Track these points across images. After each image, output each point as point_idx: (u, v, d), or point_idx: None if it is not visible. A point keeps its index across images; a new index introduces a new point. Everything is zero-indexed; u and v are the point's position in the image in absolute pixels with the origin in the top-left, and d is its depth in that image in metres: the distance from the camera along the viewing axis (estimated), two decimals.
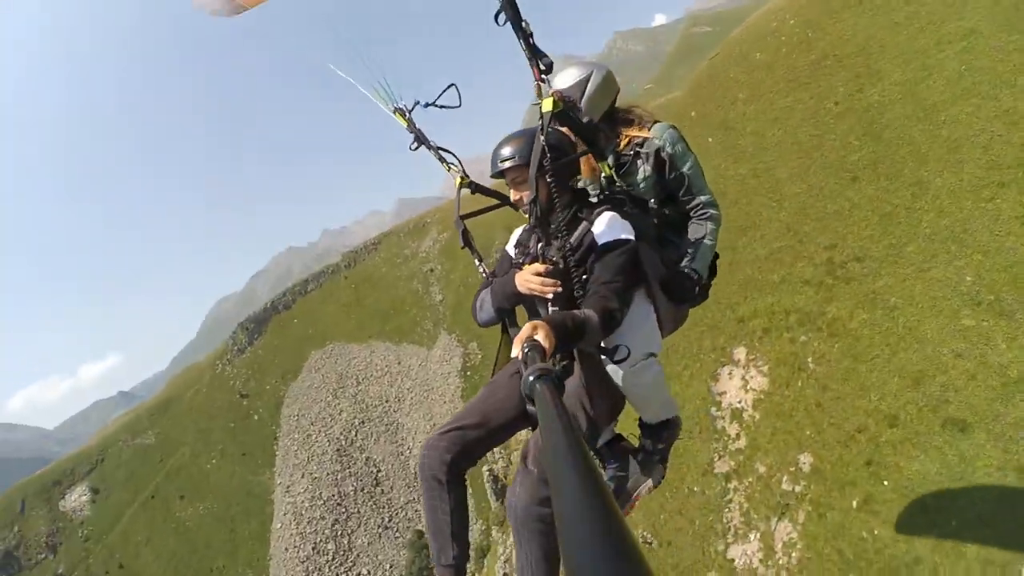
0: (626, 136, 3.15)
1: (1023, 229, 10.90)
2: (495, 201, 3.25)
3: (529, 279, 2.52)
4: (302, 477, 63.99)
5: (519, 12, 2.34)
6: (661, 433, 2.90)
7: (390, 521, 60.50)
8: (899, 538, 9.66)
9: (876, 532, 9.96)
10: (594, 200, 2.93)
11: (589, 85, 3.10)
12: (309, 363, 76.09)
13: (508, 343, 2.96)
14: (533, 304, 2.73)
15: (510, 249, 2.97)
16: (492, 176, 2.77)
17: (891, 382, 11.31)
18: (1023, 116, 12.28)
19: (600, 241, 2.54)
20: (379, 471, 64.54)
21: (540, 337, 1.81)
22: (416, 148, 3.20)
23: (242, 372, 77.17)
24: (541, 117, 2.51)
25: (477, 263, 2.93)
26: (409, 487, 63.14)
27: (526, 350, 1.69)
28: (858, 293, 13.23)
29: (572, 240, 2.60)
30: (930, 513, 9.48)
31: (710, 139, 22.16)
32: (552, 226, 2.62)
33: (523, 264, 2.72)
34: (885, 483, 10.32)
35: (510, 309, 2.75)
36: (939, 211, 12.83)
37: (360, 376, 73.31)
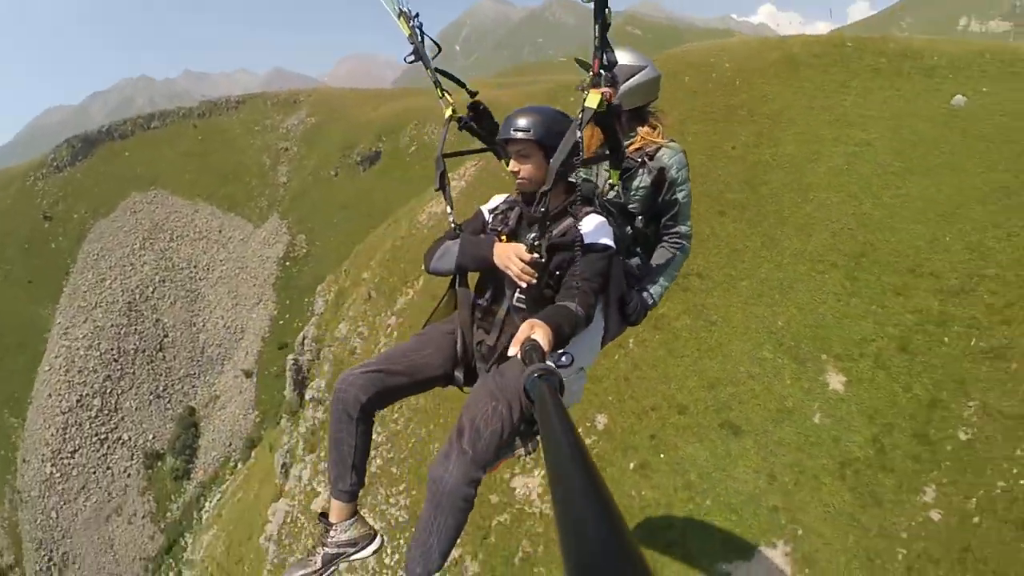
0: (641, 138, 3.12)
1: (836, 304, 13.48)
2: (478, 144, 3.15)
3: (511, 259, 2.46)
4: (84, 322, 56.87)
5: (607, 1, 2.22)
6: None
7: (164, 391, 55.96)
8: (661, 503, 11.59)
9: (643, 493, 11.79)
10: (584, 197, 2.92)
11: (638, 76, 3.05)
12: (127, 203, 66.85)
13: (452, 297, 2.88)
14: (497, 278, 2.67)
15: (486, 211, 2.89)
16: (497, 140, 2.70)
17: (691, 379, 13.33)
18: (875, 223, 15.04)
19: (587, 240, 2.54)
20: (166, 336, 59.04)
21: (539, 337, 1.83)
22: (412, 62, 3.00)
23: (53, 191, 69.58)
24: (582, 111, 2.41)
25: (448, 210, 2.83)
26: (193, 361, 58.68)
27: (527, 348, 1.71)
28: (689, 302, 15.21)
29: (556, 232, 2.58)
30: (691, 490, 11.51)
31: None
32: (543, 214, 2.54)
33: (499, 233, 2.66)
34: (661, 456, 12.21)
35: (473, 270, 2.68)
36: (778, 264, 15.24)
37: (176, 232, 66.09)
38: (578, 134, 2.41)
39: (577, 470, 0.71)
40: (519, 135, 2.50)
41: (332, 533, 2.47)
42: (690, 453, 12.17)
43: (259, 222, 71.74)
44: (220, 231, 70.12)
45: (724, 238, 16.85)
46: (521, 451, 3.11)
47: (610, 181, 2.87)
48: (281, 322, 62.03)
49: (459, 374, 2.65)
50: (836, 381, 12.40)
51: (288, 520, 18.75)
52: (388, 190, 69.07)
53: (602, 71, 2.38)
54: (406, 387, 2.54)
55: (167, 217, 69.96)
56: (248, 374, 58.73)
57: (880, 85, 17.61)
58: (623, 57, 3.03)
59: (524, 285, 2.46)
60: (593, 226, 2.58)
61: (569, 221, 2.60)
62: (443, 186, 2.91)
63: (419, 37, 3.01)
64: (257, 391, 57.39)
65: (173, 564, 43.87)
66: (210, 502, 48.08)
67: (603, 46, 2.34)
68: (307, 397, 21.20)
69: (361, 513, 2.56)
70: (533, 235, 2.50)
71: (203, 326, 62.55)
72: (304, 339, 25.54)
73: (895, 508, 10.13)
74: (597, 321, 2.75)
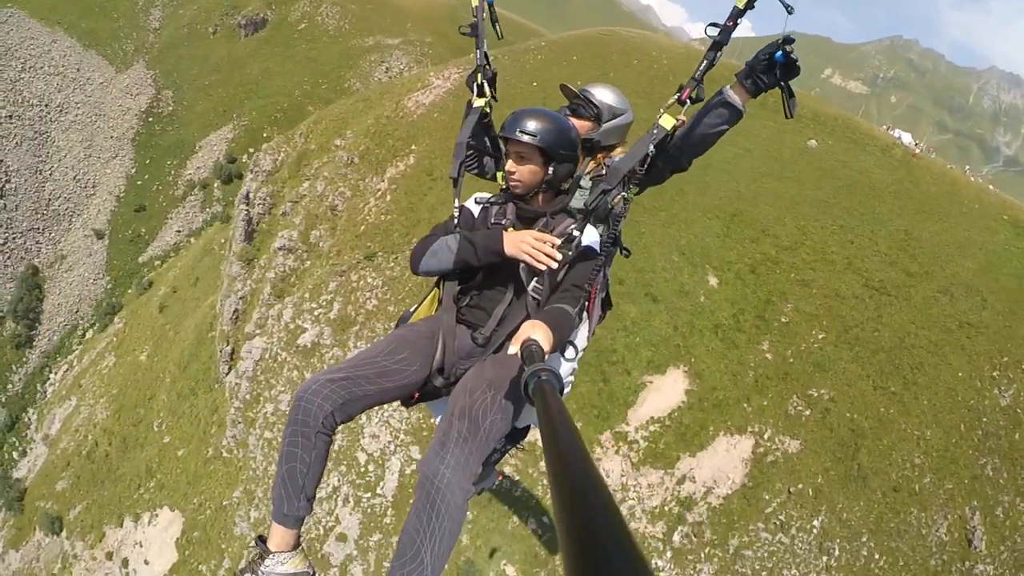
0: (602, 156, 3.19)
1: (716, 239, 20.78)
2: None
3: (529, 244, 2.37)
4: None
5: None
6: (519, 438, 2.68)
7: (4, 244, 47.08)
8: (607, 338, 17.83)
9: (595, 331, 18.08)
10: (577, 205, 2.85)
11: (620, 118, 3.19)
12: None
13: (436, 298, 2.73)
14: (503, 270, 2.51)
15: (473, 207, 2.75)
16: (499, 135, 2.58)
17: (626, 265, 19.41)
18: (743, 199, 22.59)
19: (584, 243, 2.50)
20: (8, 182, 49.34)
21: (539, 337, 1.85)
22: (466, 34, 3.02)
23: None
24: (655, 127, 2.50)
25: (456, 203, 2.71)
26: (38, 214, 50.38)
27: (528, 348, 1.74)
28: (628, 219, 21.61)
29: (556, 232, 2.53)
30: (627, 331, 17.97)
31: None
32: (544, 215, 2.59)
33: (504, 227, 2.57)
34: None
35: (475, 268, 2.52)
36: (684, 207, 22.09)
37: (29, 62, 54.65)
38: (651, 148, 2.48)
39: (578, 470, 0.72)
40: (524, 138, 2.40)
41: (268, 563, 2.15)
42: (626, 309, 18.58)
43: (122, 67, 61.75)
44: (78, 70, 59.05)
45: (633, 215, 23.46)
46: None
47: (625, 195, 2.71)
48: (139, 183, 55.13)
49: (440, 380, 2.44)
50: (713, 280, 19.85)
51: (267, 356, 20.98)
52: (268, 64, 63.81)
53: (689, 100, 2.49)
54: (374, 396, 2.27)
55: (21, 42, 57.16)
56: (100, 235, 51.82)
57: (764, 114, 24.72)
58: (608, 97, 3.19)
59: (545, 269, 2.37)
60: (587, 231, 2.54)
61: (569, 221, 2.56)
62: (458, 176, 2.76)
63: (485, 12, 3.03)
64: (109, 255, 51.20)
65: (17, 443, 39.13)
66: (55, 374, 43.14)
67: (700, 81, 2.48)
68: (277, 246, 22.84)
69: (303, 545, 2.28)
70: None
71: (50, 175, 53.29)
72: (249, 193, 26.18)
73: (747, 351, 17.88)
74: (595, 313, 2.84)
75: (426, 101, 25.23)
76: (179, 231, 52.80)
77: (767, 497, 15.37)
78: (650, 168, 2.59)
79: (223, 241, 35.31)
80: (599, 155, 3.15)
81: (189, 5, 69.12)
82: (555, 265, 2.35)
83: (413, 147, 23.52)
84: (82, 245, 51.48)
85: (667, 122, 2.49)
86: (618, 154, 3.19)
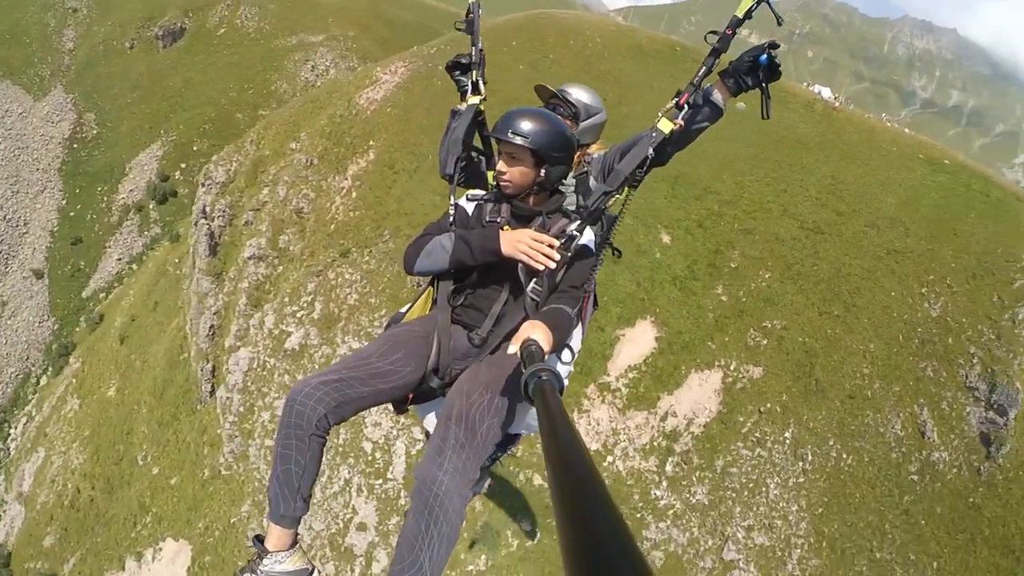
0: (581, 154, 3.23)
1: (665, 200, 22.53)
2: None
3: (527, 243, 2.34)
4: None
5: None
6: (510, 444, 2.67)
7: None
8: None
9: None
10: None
11: (596, 117, 3.27)
12: None
13: (430, 297, 2.70)
14: (498, 269, 2.48)
15: (466, 205, 2.70)
16: (489, 134, 2.56)
17: None
18: (684, 162, 24.41)
19: (581, 243, 2.49)
20: None
21: (539, 338, 1.86)
22: (461, 30, 2.98)
23: None
24: (654, 131, 2.55)
25: (451, 201, 2.67)
26: None
27: (528, 348, 1.75)
28: None
29: (554, 231, 2.51)
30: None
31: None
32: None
33: (500, 225, 2.53)
34: None
35: (470, 267, 2.50)
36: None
37: None
38: (650, 151, 2.52)
39: (578, 470, 0.73)
40: (516, 139, 2.38)
41: (266, 562, 2.19)
42: None
43: (40, 94, 58.30)
44: None
45: None
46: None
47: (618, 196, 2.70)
48: (72, 214, 52.32)
49: (436, 381, 2.43)
50: (666, 238, 21.63)
51: (255, 366, 21.23)
52: (190, 74, 61.63)
53: (687, 105, 2.57)
54: (368, 398, 2.26)
55: None
56: (39, 274, 49.13)
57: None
58: (584, 96, 3.22)
59: (543, 268, 2.34)
60: (582, 228, 2.51)
61: (564, 221, 2.54)
62: (454, 173, 2.75)
63: (479, 8, 3.00)
64: (51, 294, 48.69)
65: None
66: (15, 428, 40.86)
67: (698, 87, 2.57)
68: (246, 256, 22.96)
69: (300, 543, 2.29)
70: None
71: None
72: (205, 208, 25.96)
73: (704, 296, 19.78)
74: (588, 314, 2.87)
75: (377, 97, 25.70)
76: (120, 259, 50.77)
77: (741, 419, 17.37)
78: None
79: (178, 260, 34.64)
80: (577, 153, 3.11)
81: (103, 21, 65.65)
82: (553, 265, 2.34)
83: (371, 143, 24.06)
84: (22, 288, 48.73)
85: (665, 126, 2.55)
86: (595, 150, 3.28)
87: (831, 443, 16.88)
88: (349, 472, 18.89)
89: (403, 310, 2.74)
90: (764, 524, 16.25)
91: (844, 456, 16.85)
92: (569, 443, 0.82)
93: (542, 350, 1.79)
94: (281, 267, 23.03)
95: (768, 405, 17.46)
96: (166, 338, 30.22)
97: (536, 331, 1.89)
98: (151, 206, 53.10)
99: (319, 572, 2.52)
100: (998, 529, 16.55)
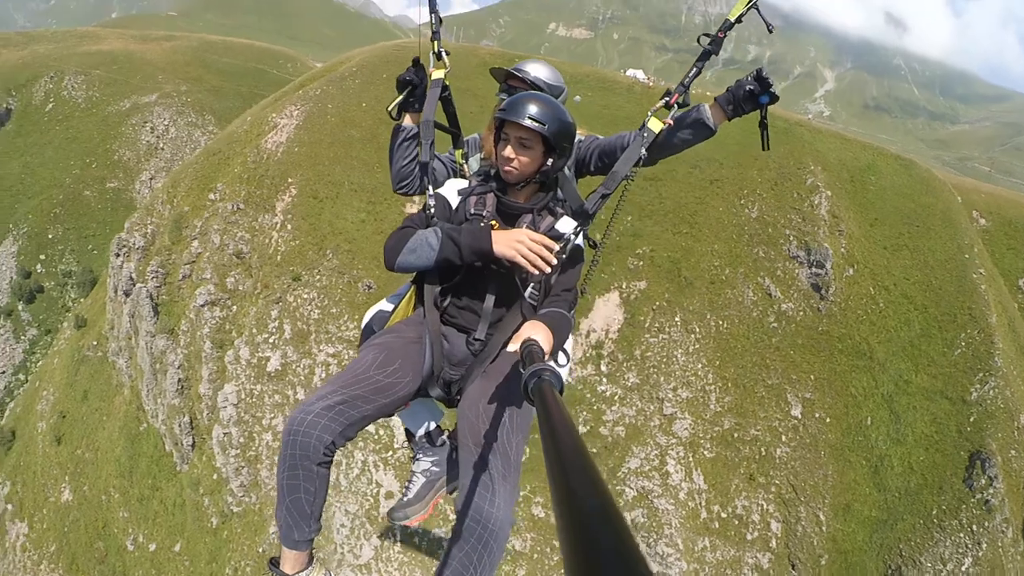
0: None
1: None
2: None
3: (528, 245, 2.26)
4: None
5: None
6: None
7: None
8: None
9: None
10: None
11: (562, 96, 3.15)
12: None
13: (412, 298, 2.62)
14: (486, 268, 2.40)
15: (451, 197, 2.59)
16: (499, 115, 2.41)
17: None
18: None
19: (574, 242, 2.44)
20: None
21: (540, 338, 1.88)
22: None
23: None
24: (643, 129, 2.57)
25: (429, 191, 2.59)
26: None
27: (528, 348, 1.75)
28: None
29: (543, 228, 2.45)
30: None
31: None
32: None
33: (484, 219, 2.46)
34: None
35: (457, 265, 2.37)
36: None
37: None
38: (643, 152, 2.55)
39: (578, 471, 0.73)
40: (534, 125, 2.29)
41: None
42: None
43: None
44: None
45: None
46: (449, 486, 3.02)
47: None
48: None
49: (436, 390, 2.43)
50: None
51: (243, 397, 23.73)
52: (26, 158, 58.07)
53: (676, 106, 2.58)
54: (372, 413, 2.22)
55: None
56: None
57: None
58: (543, 73, 3.11)
59: (538, 273, 2.28)
60: (571, 228, 2.47)
61: (551, 219, 2.48)
62: (428, 160, 2.66)
63: None
64: None
65: None
66: None
67: (687, 88, 2.59)
68: (198, 304, 25.26)
69: (315, 556, 2.33)
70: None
71: None
72: (132, 275, 27.49)
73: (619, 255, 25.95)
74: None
75: (282, 139, 28.87)
76: (3, 372, 47.20)
77: (641, 318, 24.00)
78: (612, 160, 2.78)
79: (95, 343, 34.69)
80: None
81: None
82: (548, 269, 2.28)
83: (290, 179, 27.39)
84: None
85: (655, 125, 2.56)
86: None
87: (708, 316, 23.99)
88: (363, 454, 22.53)
89: (386, 308, 2.69)
90: (683, 382, 22.88)
91: (720, 322, 24.00)
92: (569, 443, 0.83)
93: (542, 350, 1.80)
94: (235, 306, 25.71)
95: (657, 303, 24.19)
96: (114, 419, 30.76)
97: (537, 331, 1.93)
98: (20, 307, 49.82)
99: None
100: (847, 342, 24.63)
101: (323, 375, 23.37)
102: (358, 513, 22.03)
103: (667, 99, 2.60)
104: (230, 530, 24.48)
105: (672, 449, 22.10)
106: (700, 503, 21.90)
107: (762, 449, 22.83)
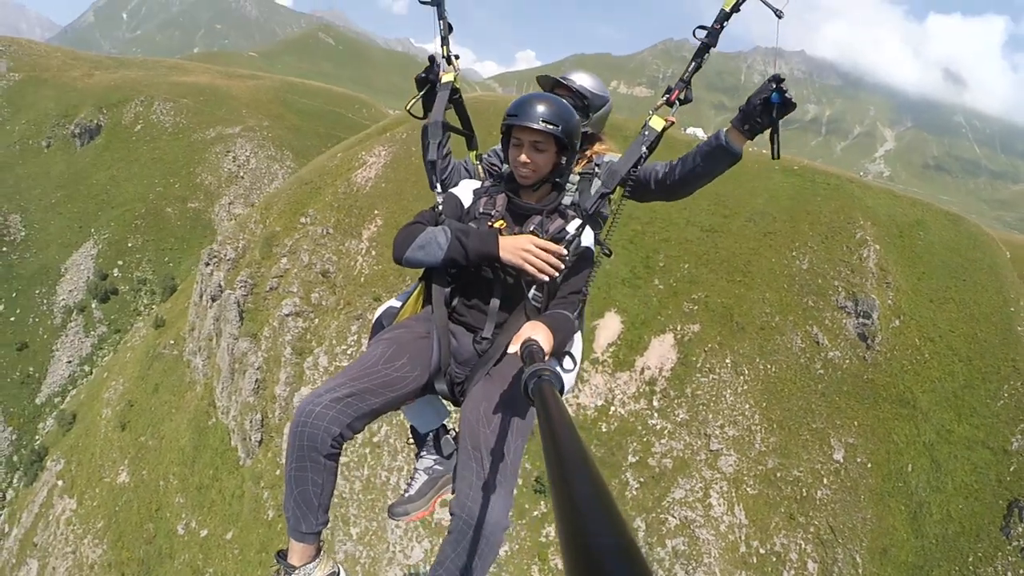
0: (592, 151, 3.13)
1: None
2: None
3: (535, 252, 2.30)
4: None
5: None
6: None
7: None
8: None
9: None
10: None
11: (605, 107, 3.22)
12: None
13: (421, 295, 2.61)
14: (488, 274, 2.43)
15: (464, 196, 2.64)
16: (509, 121, 2.42)
17: None
18: None
19: (582, 243, 2.46)
20: None
21: (540, 338, 1.88)
22: (425, 2, 2.83)
23: None
24: (646, 129, 2.55)
25: (438, 190, 2.60)
26: None
27: (528, 349, 1.76)
28: None
29: (552, 230, 2.48)
30: None
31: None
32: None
33: (493, 221, 2.49)
34: None
35: (467, 265, 2.40)
36: None
37: None
38: (643, 150, 2.53)
39: (578, 472, 0.74)
40: (546, 127, 2.33)
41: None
42: None
43: None
44: None
45: None
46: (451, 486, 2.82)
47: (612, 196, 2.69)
48: (12, 319, 51.67)
49: (442, 385, 2.43)
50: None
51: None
52: (113, 171, 64.01)
53: (678, 102, 2.57)
54: (380, 408, 2.23)
55: None
56: None
57: None
58: (590, 83, 3.15)
59: (547, 279, 2.33)
60: (582, 230, 2.47)
61: (561, 222, 2.50)
62: (436, 159, 2.66)
63: None
64: (2, 404, 47.56)
65: None
66: None
67: (688, 83, 2.58)
68: (284, 313, 28.10)
69: (323, 550, 2.37)
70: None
71: None
72: (220, 283, 30.62)
73: (645, 288, 28.08)
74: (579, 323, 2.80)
75: (371, 175, 32.34)
76: (70, 361, 51.10)
77: (694, 359, 25.69)
78: (642, 190, 2.74)
79: (172, 342, 37.83)
80: (590, 150, 3.12)
81: (15, 120, 67.01)
82: (556, 274, 2.33)
83: (376, 211, 30.61)
84: None
85: (657, 123, 2.56)
86: (603, 150, 3.18)
87: (756, 360, 25.62)
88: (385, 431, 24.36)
89: (396, 304, 2.68)
90: (730, 421, 24.35)
91: (768, 367, 25.60)
92: (569, 444, 0.84)
93: (542, 350, 1.81)
94: (317, 319, 28.46)
95: (709, 346, 25.95)
96: (183, 412, 33.45)
97: (537, 332, 1.93)
98: (93, 305, 54.04)
99: (344, 570, 2.48)
100: (891, 390, 25.89)
101: None
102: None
103: (668, 96, 2.61)
104: (283, 523, 26.24)
105: (716, 483, 23.41)
106: (740, 537, 23.01)
107: (803, 490, 23.93)
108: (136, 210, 60.77)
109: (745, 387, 24.95)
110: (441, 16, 2.79)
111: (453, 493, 2.10)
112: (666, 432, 24.32)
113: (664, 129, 2.54)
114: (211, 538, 28.62)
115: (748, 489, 24.12)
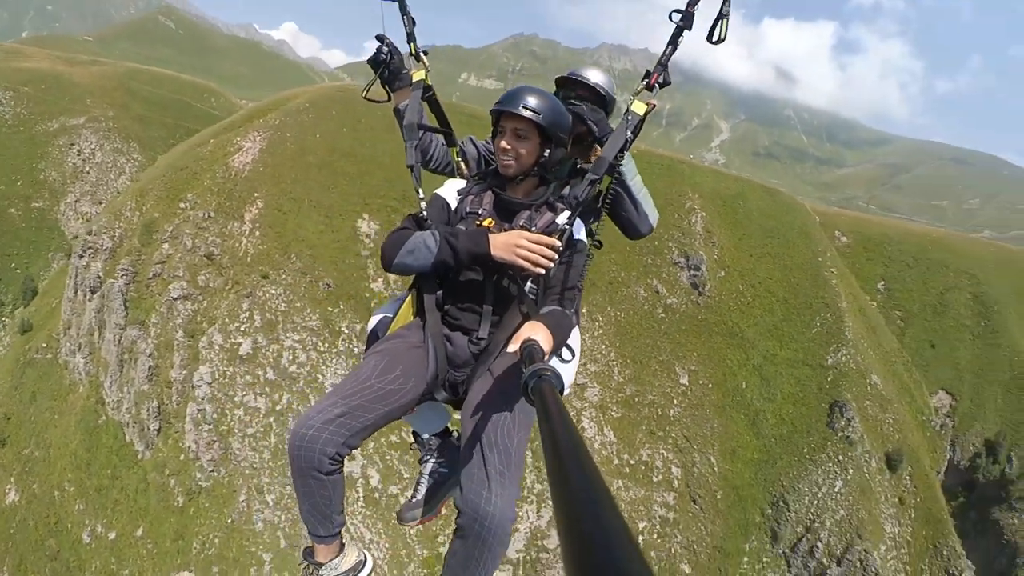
0: (597, 152, 2.94)
1: None
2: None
3: (528, 247, 2.26)
4: None
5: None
6: None
7: None
8: None
9: None
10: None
11: (617, 105, 3.16)
12: None
13: (412, 303, 2.58)
14: (486, 273, 2.39)
15: (450, 197, 2.59)
16: (496, 110, 2.42)
17: None
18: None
19: (575, 236, 2.43)
20: None
21: (540, 338, 1.86)
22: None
23: None
24: (629, 114, 2.54)
25: (419, 194, 2.52)
26: None
27: (528, 348, 1.75)
28: None
29: (541, 223, 2.43)
30: None
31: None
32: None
33: (482, 219, 2.46)
34: None
35: (458, 267, 2.37)
36: None
37: None
38: (628, 135, 2.52)
39: (578, 471, 0.73)
40: (528, 114, 2.31)
41: (324, 571, 2.34)
42: None
43: None
44: None
45: None
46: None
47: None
48: None
49: (441, 394, 2.44)
50: None
51: (217, 377, 27.03)
52: None
53: (657, 85, 2.59)
54: (376, 421, 2.22)
55: None
56: None
57: None
58: (604, 80, 3.15)
59: (542, 272, 2.29)
60: (572, 220, 2.43)
61: (550, 215, 2.45)
62: (416, 163, 2.59)
63: None
64: None
65: None
66: None
67: (666, 66, 2.58)
68: (172, 296, 28.54)
69: (345, 541, 2.42)
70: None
71: None
72: (99, 274, 30.24)
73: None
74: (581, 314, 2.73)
75: (248, 159, 32.98)
76: None
77: None
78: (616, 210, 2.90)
79: (44, 345, 36.33)
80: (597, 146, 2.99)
81: None
82: (551, 266, 2.29)
83: (256, 194, 31.52)
84: None
85: (639, 107, 2.55)
86: None
87: (608, 308, 30.51)
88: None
89: (388, 314, 2.66)
90: (591, 359, 28.71)
91: (618, 313, 30.63)
92: (569, 444, 0.83)
93: (542, 350, 1.79)
94: (206, 300, 29.21)
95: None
96: (68, 416, 32.49)
97: (536, 331, 1.90)
98: None
99: (371, 557, 2.51)
100: (721, 326, 31.79)
101: (290, 358, 27.26)
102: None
103: (647, 80, 2.58)
104: (197, 506, 27.15)
105: (586, 411, 27.89)
106: (612, 452, 27.72)
107: (659, 410, 29.21)
108: None
109: (600, 331, 29.49)
110: (404, 12, 2.72)
111: (460, 490, 2.11)
112: None
113: (647, 113, 2.57)
114: (121, 539, 28.30)
115: (612, 413, 28.82)
